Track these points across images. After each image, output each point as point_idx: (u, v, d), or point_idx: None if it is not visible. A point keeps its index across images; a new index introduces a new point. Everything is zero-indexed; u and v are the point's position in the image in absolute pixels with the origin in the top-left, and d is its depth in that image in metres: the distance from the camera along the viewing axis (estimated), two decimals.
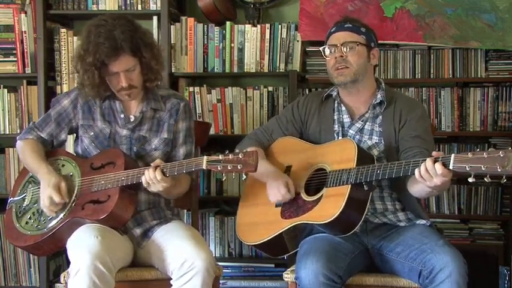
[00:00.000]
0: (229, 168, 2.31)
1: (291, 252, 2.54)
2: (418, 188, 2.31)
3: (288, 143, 2.68)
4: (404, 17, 3.53)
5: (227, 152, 2.36)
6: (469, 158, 2.03)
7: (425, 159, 2.14)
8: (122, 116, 2.64)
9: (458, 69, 3.56)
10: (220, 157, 2.33)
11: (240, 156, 2.31)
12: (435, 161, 2.11)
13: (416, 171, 2.15)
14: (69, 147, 3.24)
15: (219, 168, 2.32)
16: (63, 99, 2.69)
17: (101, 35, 2.45)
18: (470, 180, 2.04)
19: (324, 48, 2.61)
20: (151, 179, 2.40)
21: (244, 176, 2.39)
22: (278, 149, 2.70)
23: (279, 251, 2.58)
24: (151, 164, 2.44)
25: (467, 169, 2.03)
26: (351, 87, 2.57)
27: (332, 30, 2.63)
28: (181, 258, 2.35)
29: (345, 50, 2.54)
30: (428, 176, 2.12)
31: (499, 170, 1.97)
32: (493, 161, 1.98)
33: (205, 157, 2.36)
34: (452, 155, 2.08)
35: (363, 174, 2.30)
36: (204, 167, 2.35)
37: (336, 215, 2.28)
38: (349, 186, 2.31)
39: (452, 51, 3.56)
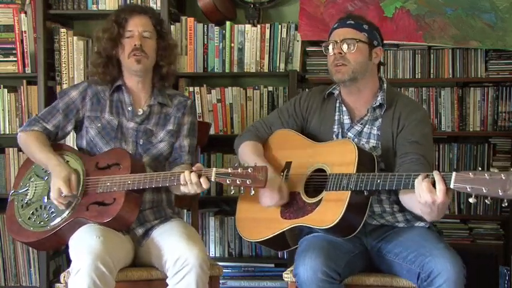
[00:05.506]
0: (238, 182, 2.28)
1: (292, 248, 2.55)
2: (410, 202, 2.29)
3: (287, 136, 2.64)
4: (404, 17, 3.53)
5: (236, 164, 2.33)
6: (470, 178, 1.99)
7: (428, 175, 2.09)
8: (130, 108, 2.65)
9: (458, 69, 3.56)
10: (230, 170, 2.30)
11: (250, 171, 2.27)
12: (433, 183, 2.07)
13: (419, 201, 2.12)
14: (70, 142, 3.23)
15: (227, 182, 2.29)
16: (72, 91, 2.68)
17: (126, 7, 2.74)
18: (471, 200, 2.00)
19: (326, 45, 2.55)
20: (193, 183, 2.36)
21: (253, 192, 2.31)
22: (277, 141, 2.67)
23: (280, 247, 2.63)
24: (194, 168, 2.37)
25: (468, 190, 1.99)
26: (350, 85, 2.52)
27: (334, 26, 2.56)
28: (175, 255, 2.34)
29: (344, 46, 2.48)
30: (430, 200, 2.09)
31: (501, 194, 1.94)
32: (495, 183, 1.94)
33: (214, 169, 2.33)
34: (454, 173, 2.04)
35: (363, 182, 2.26)
36: (212, 179, 2.33)
37: (336, 221, 2.27)
38: (349, 192, 2.28)
39: (452, 51, 3.56)
